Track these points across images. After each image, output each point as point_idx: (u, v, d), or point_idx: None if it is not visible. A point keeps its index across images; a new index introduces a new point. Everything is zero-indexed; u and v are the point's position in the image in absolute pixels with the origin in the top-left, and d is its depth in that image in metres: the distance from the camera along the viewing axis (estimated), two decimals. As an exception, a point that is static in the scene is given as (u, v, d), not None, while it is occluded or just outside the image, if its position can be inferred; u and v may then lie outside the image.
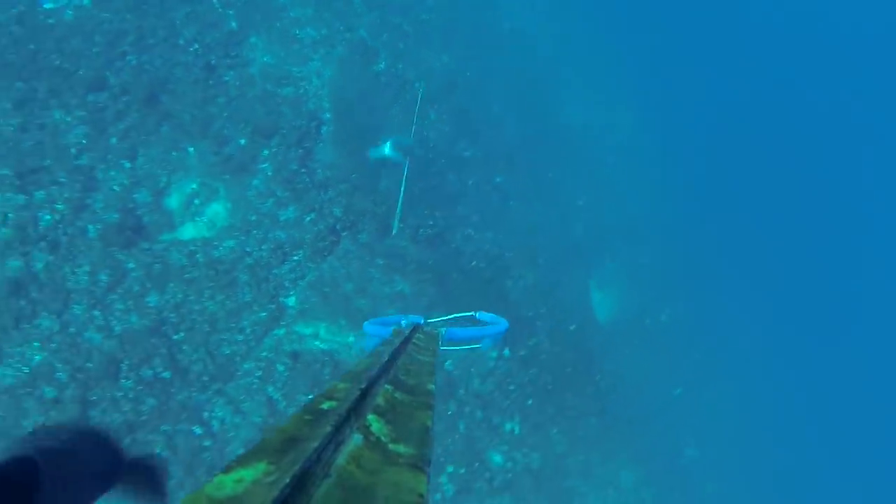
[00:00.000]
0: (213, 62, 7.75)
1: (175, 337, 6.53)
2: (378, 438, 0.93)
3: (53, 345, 6.00)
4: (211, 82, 7.61)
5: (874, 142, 29.19)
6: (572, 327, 8.96)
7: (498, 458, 7.35)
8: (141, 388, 6.27)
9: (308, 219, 7.37)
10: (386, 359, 1.39)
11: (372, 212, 7.86)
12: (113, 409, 6.05)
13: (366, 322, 3.48)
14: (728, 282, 13.97)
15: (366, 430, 0.94)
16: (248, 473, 0.71)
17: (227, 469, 0.72)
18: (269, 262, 7.07)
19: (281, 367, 6.90)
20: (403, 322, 3.15)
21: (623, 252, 11.30)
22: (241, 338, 6.80)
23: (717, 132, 19.15)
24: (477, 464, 7.35)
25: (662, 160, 14.53)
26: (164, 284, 6.60)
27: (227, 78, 7.71)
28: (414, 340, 1.82)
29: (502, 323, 3.96)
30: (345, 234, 7.57)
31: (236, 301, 6.86)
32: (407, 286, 7.66)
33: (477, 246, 8.72)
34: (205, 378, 6.56)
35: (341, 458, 0.83)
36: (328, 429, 0.85)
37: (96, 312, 6.25)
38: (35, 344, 5.96)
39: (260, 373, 6.80)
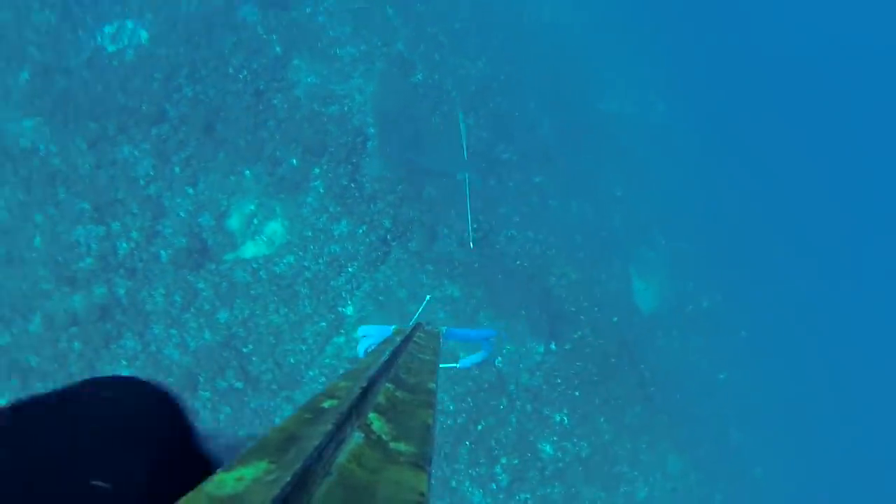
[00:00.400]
0: (261, 87, 8.25)
1: (244, 350, 7.10)
2: (379, 437, 0.92)
3: (138, 362, 6.63)
4: (261, 107, 8.11)
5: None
6: (615, 319, 9.26)
7: (549, 449, 7.76)
8: (217, 398, 6.86)
9: (360, 231, 7.84)
10: (387, 357, 1.39)
11: (419, 220, 8.28)
12: (193, 418, 6.65)
13: (360, 327, 3.37)
14: (768, 265, 14.01)
15: (367, 429, 0.94)
16: (249, 472, 0.72)
17: (227, 467, 0.73)
18: (326, 274, 7.57)
19: (343, 370, 7.41)
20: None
21: (662, 241, 11.49)
22: (304, 347, 7.34)
23: (753, 117, 18.98)
24: (529, 454, 7.77)
25: (698, 147, 14.59)
26: (232, 301, 7.16)
27: (275, 101, 8.20)
28: (415, 339, 1.79)
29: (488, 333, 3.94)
30: (395, 243, 8.02)
31: (298, 313, 7.39)
32: (456, 290, 8.08)
33: (519, 246, 9.08)
34: (274, 386, 7.13)
35: (342, 457, 0.82)
36: (329, 427, 0.85)
37: (173, 331, 6.85)
38: (123, 362, 6.60)
39: (324, 379, 7.33)
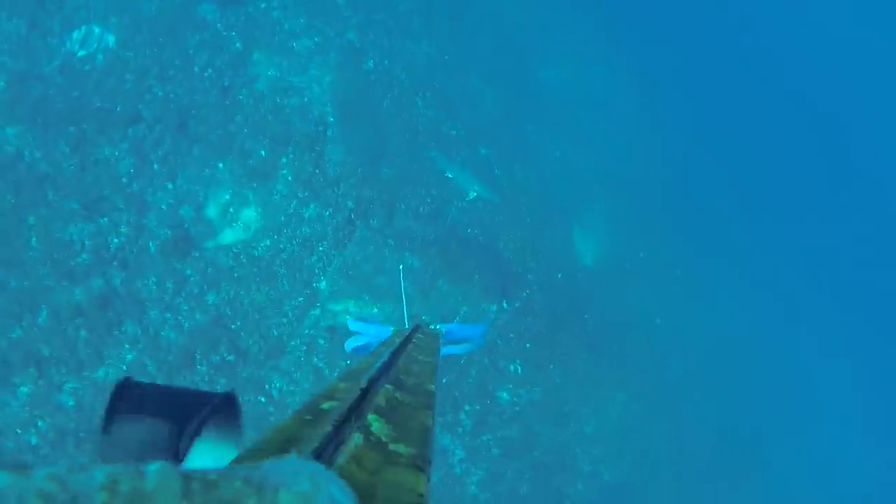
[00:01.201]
0: (226, 84, 8.87)
1: (233, 326, 7.93)
2: (378, 438, 0.93)
3: (140, 345, 7.41)
4: (228, 103, 8.75)
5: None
6: (560, 275, 10.31)
7: (506, 395, 8.86)
8: (213, 371, 7.71)
9: (327, 213, 8.65)
10: (386, 358, 1.43)
11: (378, 199, 9.12)
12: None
13: (350, 320, 3.61)
14: (699, 218, 15.24)
15: (366, 430, 0.94)
16: None
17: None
18: (300, 254, 8.40)
19: (321, 341, 8.32)
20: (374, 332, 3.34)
21: (601, 199, 12.54)
22: (285, 321, 8.19)
23: (687, 78, 19.90)
24: (488, 401, 8.86)
25: (635, 109, 15.57)
26: (218, 284, 7.95)
27: (241, 97, 8.85)
28: (414, 340, 1.84)
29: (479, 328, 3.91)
30: (359, 222, 8.85)
31: (278, 290, 8.22)
32: (416, 260, 8.99)
33: (470, 215, 10.00)
34: (261, 357, 7.99)
35: (342, 458, 0.82)
36: (328, 428, 0.87)
37: (168, 315, 7.63)
38: (126, 346, 7.37)
39: (305, 347, 8.21)
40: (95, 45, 8.51)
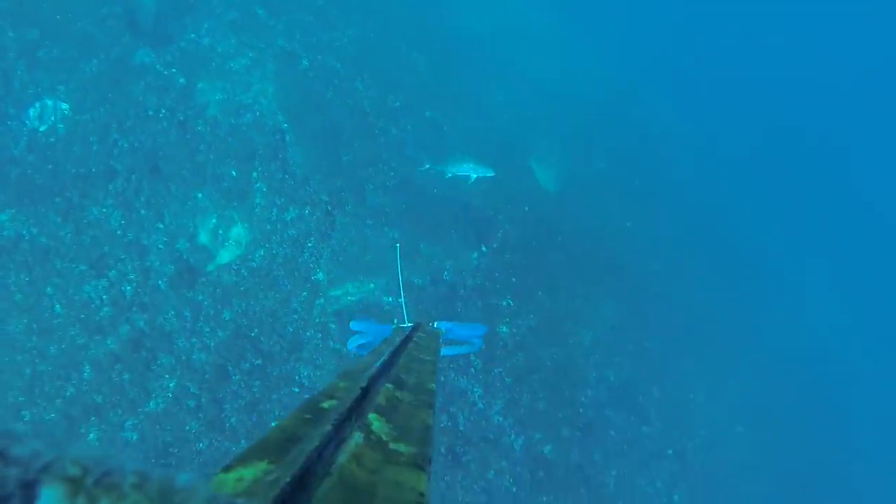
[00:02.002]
0: (181, 118, 9.50)
1: (252, 334, 8.80)
2: (379, 437, 0.94)
3: (178, 372, 8.29)
4: (188, 136, 9.40)
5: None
6: (527, 208, 11.18)
7: (505, 329, 9.84)
8: (246, 377, 8.62)
9: (306, 211, 9.43)
10: (386, 358, 1.41)
11: (347, 186, 9.89)
12: (235, 398, 8.43)
13: (352, 322, 3.73)
14: (648, 132, 16.01)
15: (367, 429, 0.96)
16: (249, 472, 0.75)
17: (227, 468, 0.77)
18: (292, 255, 9.21)
19: (332, 325, 9.21)
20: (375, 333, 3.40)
21: (550, 129, 13.31)
22: (296, 316, 9.07)
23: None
24: (491, 338, 9.85)
25: (562, 40, 16.17)
26: (229, 301, 8.79)
27: (198, 128, 9.49)
28: (415, 339, 1.82)
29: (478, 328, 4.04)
30: (336, 211, 9.64)
31: (282, 292, 9.07)
32: (396, 231, 9.84)
33: (431, 175, 10.78)
34: (284, 354, 8.89)
35: (342, 457, 0.84)
36: (329, 427, 0.88)
37: (194, 339, 8.49)
38: (165, 376, 8.25)
39: (319, 335, 9.11)
40: (53, 117, 9.09)
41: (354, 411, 1.04)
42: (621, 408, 10.75)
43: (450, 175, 9.74)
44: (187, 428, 8.06)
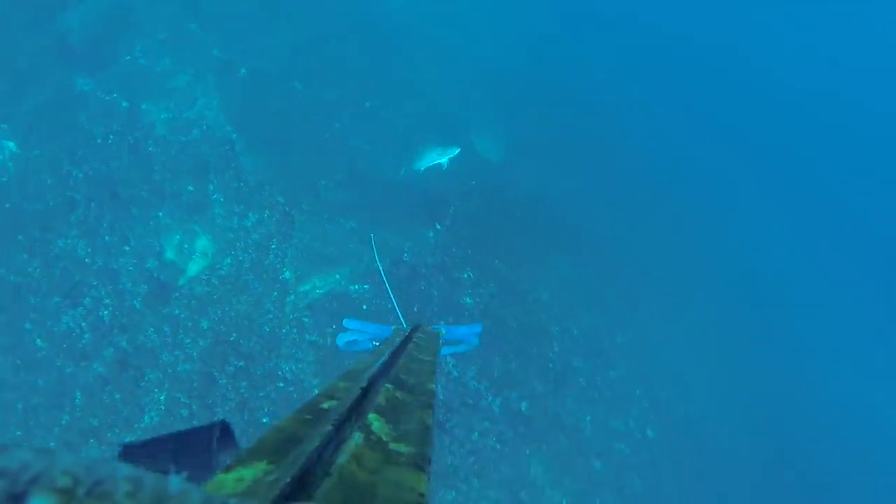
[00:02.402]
0: (131, 142, 9.76)
1: (231, 338, 9.22)
2: (379, 437, 0.94)
3: (166, 385, 8.69)
4: (141, 158, 9.67)
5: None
6: (473, 182, 11.74)
7: (468, 300, 10.44)
8: (232, 380, 9.06)
9: (265, 215, 9.82)
10: (386, 358, 1.46)
11: (301, 185, 10.29)
12: (224, 401, 8.88)
13: (345, 319, 3.69)
14: (584, 99, 16.64)
15: (367, 430, 0.96)
16: (249, 472, 0.76)
17: (227, 468, 0.77)
18: (258, 258, 9.62)
19: (305, 319, 9.68)
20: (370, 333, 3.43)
21: (486, 101, 13.83)
22: (271, 315, 9.51)
23: None
24: (457, 309, 10.45)
25: (507, 19, 16.61)
26: (205, 310, 9.18)
27: (149, 149, 9.76)
28: (415, 339, 1.85)
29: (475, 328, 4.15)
30: (293, 211, 10.05)
31: (254, 294, 9.49)
32: (353, 222, 10.31)
33: (374, 160, 11.23)
34: (265, 352, 9.34)
35: (342, 457, 0.84)
36: (329, 428, 0.89)
37: (177, 352, 8.88)
38: (155, 391, 8.65)
39: (295, 330, 9.57)
40: (1, 157, 9.28)
41: (354, 411, 1.06)
42: (587, 357, 11.49)
43: (423, 169, 10.22)
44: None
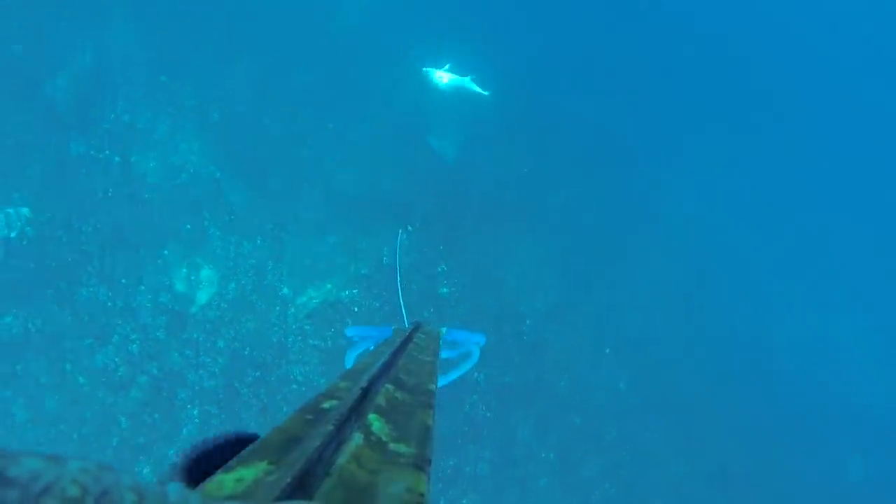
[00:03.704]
0: (128, 192, 11.33)
1: (245, 353, 10.92)
2: (379, 438, 0.97)
3: (197, 401, 10.38)
4: (139, 206, 11.25)
5: None
6: (433, 182, 13.47)
7: (445, 290, 12.27)
8: (252, 388, 10.78)
9: (258, 241, 11.50)
10: (386, 358, 1.49)
11: (283, 210, 11.97)
12: (248, 407, 10.62)
13: (349, 328, 3.77)
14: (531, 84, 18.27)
15: (367, 430, 0.99)
16: (249, 472, 0.78)
17: (227, 468, 0.80)
18: (258, 280, 11.30)
19: (307, 327, 11.41)
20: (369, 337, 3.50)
21: (440, 103, 15.53)
22: (276, 328, 11.21)
23: None
24: (434, 298, 12.28)
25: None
26: (219, 331, 10.86)
27: (146, 196, 11.33)
28: (415, 340, 1.88)
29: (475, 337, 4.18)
30: (282, 234, 11.74)
31: (259, 312, 11.18)
32: (334, 237, 12.03)
33: (346, 177, 12.93)
34: (276, 361, 11.07)
35: (342, 458, 0.87)
36: (329, 428, 0.91)
37: (201, 371, 10.56)
38: (188, 406, 10.34)
39: (300, 338, 11.29)
40: (19, 223, 10.79)
41: (354, 412, 1.09)
42: (558, 326, 13.42)
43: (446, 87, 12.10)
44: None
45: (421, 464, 0.92)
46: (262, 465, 0.81)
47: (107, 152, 11.52)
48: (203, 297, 11.05)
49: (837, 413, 18.12)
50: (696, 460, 14.53)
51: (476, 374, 11.97)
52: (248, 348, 10.89)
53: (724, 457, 14.99)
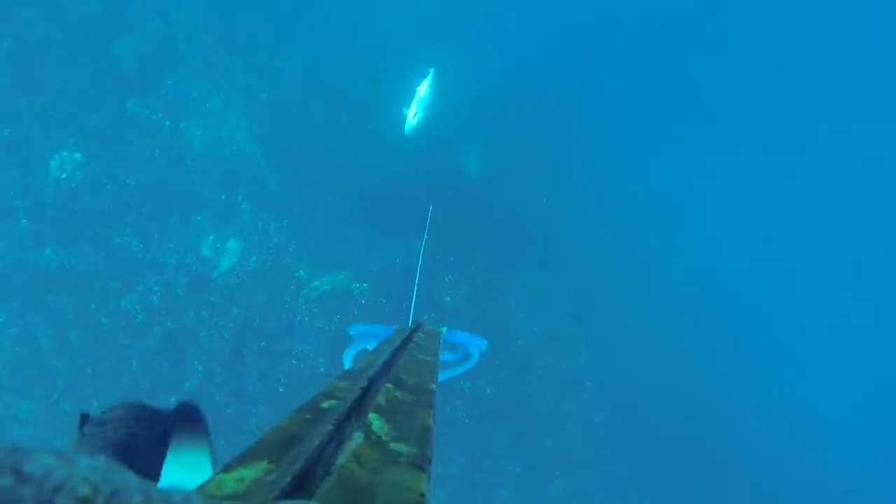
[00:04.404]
0: (174, 157, 12.39)
1: (255, 323, 11.94)
2: (379, 437, 0.99)
3: (204, 358, 11.39)
4: (181, 170, 12.31)
5: None
6: (455, 195, 14.50)
7: (448, 298, 13.29)
8: (257, 357, 11.79)
9: (285, 223, 12.54)
10: (387, 357, 1.51)
11: (313, 197, 13.02)
12: (249, 373, 11.64)
13: (352, 326, 3.83)
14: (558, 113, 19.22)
15: (367, 429, 1.00)
16: (249, 472, 0.80)
17: (227, 468, 0.81)
18: (278, 258, 12.33)
19: (315, 309, 12.42)
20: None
21: (471, 120, 16.56)
22: (287, 305, 12.23)
23: None
24: (438, 306, 13.31)
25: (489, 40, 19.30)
26: (235, 299, 11.87)
27: (189, 162, 12.38)
28: (415, 339, 1.91)
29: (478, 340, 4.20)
30: (307, 219, 12.80)
31: (274, 287, 12.21)
32: (357, 231, 13.08)
33: (377, 176, 13.99)
34: (282, 335, 12.09)
35: (342, 457, 0.87)
36: (329, 427, 0.93)
37: (212, 332, 11.56)
38: (194, 362, 11.37)
39: (307, 318, 12.30)
40: (70, 166, 11.84)
41: (354, 411, 1.11)
42: (546, 351, 14.43)
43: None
44: (217, 399, 11.26)
45: (421, 463, 0.95)
46: (262, 465, 0.83)
47: (160, 115, 12.58)
48: (225, 264, 12.08)
49: (806, 480, 18.93)
50: (659, 496, 15.45)
51: (462, 381, 12.97)
52: (258, 319, 11.91)
53: (688, 499, 15.92)
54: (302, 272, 12.40)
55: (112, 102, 12.35)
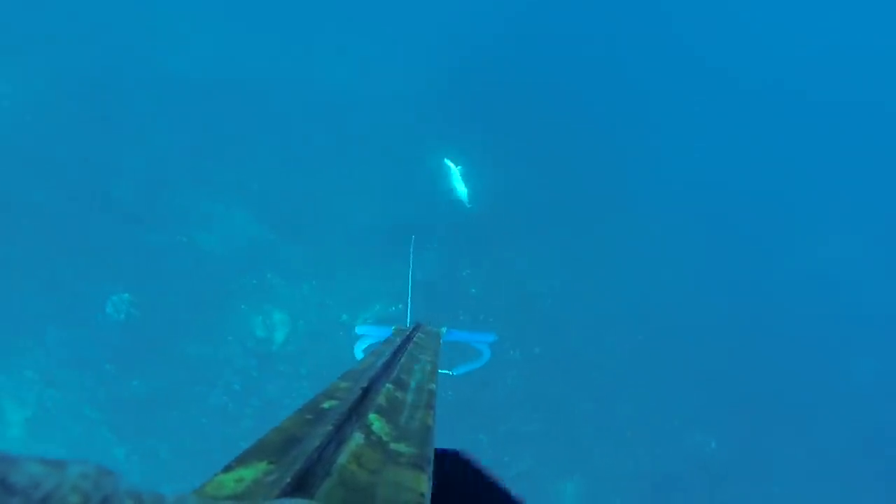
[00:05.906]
0: (199, 263, 14.56)
1: (325, 373, 14.07)
2: (379, 437, 1.00)
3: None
4: (213, 271, 14.48)
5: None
6: (450, 216, 16.35)
7: (473, 290, 15.30)
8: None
9: (314, 282, 14.65)
10: (387, 358, 1.54)
11: (324, 250, 15.12)
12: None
13: (358, 327, 4.00)
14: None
15: (367, 429, 1.02)
16: (248, 473, 0.81)
17: (226, 468, 0.83)
18: (321, 313, 14.37)
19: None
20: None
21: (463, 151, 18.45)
22: (343, 348, 14.39)
23: None
24: (465, 298, 15.32)
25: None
26: (300, 361, 13.95)
27: (214, 266, 14.57)
28: (415, 339, 1.94)
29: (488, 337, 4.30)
30: (332, 272, 14.90)
31: (327, 338, 14.33)
32: (371, 265, 15.11)
33: (373, 213, 16.00)
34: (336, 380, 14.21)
35: (343, 457, 0.89)
36: (329, 428, 0.95)
37: (294, 395, 13.78)
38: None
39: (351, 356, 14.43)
40: (124, 307, 14.08)
41: (355, 411, 1.14)
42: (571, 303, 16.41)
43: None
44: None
45: (421, 463, 0.96)
46: (262, 466, 0.86)
47: (180, 237, 14.76)
48: (280, 336, 14.24)
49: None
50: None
51: (512, 351, 15.02)
52: (325, 369, 14.07)
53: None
54: (344, 316, 14.51)
55: (131, 239, 14.55)
